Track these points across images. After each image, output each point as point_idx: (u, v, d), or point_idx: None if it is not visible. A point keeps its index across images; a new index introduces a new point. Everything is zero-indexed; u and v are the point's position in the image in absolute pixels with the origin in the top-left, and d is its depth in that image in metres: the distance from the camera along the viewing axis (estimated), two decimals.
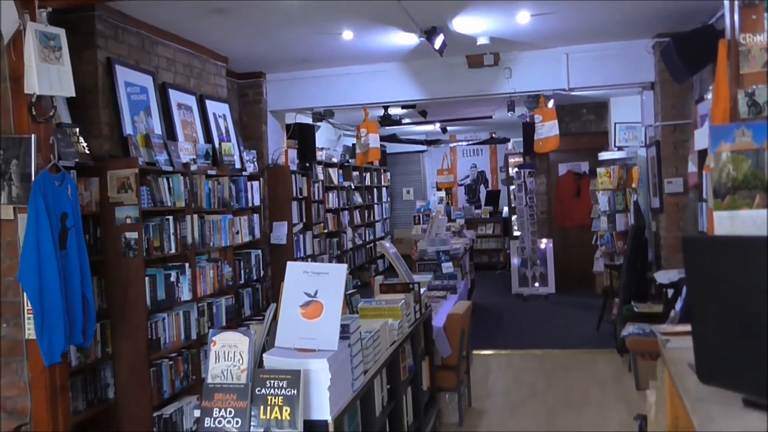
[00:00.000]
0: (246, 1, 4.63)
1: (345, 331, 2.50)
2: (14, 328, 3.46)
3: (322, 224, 9.03)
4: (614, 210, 8.39)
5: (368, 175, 12.56)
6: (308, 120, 8.39)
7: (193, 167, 4.94)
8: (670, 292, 5.35)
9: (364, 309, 3.42)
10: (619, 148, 8.47)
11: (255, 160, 6.41)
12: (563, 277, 10.09)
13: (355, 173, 11.69)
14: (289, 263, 2.54)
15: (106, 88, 4.47)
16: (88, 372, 4.05)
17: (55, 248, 3.29)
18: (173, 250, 4.58)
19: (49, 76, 3.33)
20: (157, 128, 4.95)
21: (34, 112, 3.35)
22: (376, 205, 13.11)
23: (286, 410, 2.16)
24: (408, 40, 5.97)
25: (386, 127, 9.87)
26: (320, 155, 9.41)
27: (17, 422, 3.42)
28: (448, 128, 12.59)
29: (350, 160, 11.20)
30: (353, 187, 11.41)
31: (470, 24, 5.61)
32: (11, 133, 3.37)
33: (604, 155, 8.71)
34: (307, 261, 7.64)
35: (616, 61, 6.49)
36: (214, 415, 2.21)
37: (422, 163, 15.25)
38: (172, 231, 4.55)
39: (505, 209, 12.70)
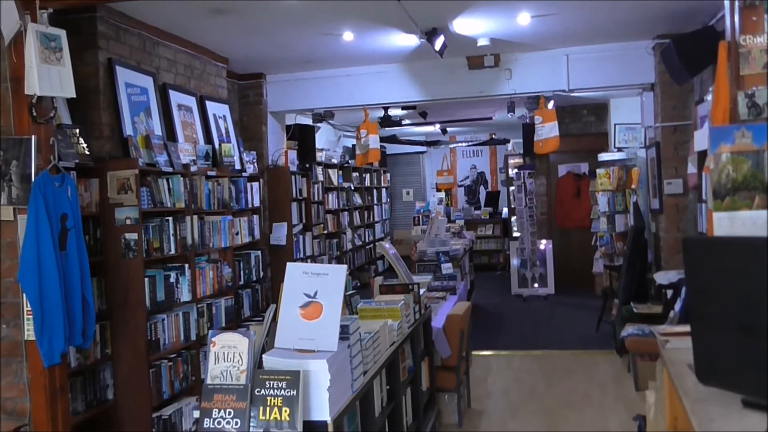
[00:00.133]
0: (247, 2, 4.64)
1: (344, 332, 2.50)
2: (14, 329, 3.46)
3: (322, 225, 9.03)
4: (614, 211, 8.39)
5: (368, 176, 12.56)
6: (308, 121, 8.39)
7: (193, 168, 4.94)
8: (670, 292, 5.35)
9: (363, 310, 3.42)
10: (619, 149, 8.46)
11: (255, 161, 6.41)
12: (563, 278, 10.10)
13: (355, 174, 11.69)
14: (288, 264, 2.54)
15: (106, 89, 4.47)
16: (88, 373, 4.05)
17: (55, 249, 3.29)
18: (173, 251, 4.58)
19: (50, 77, 3.33)
20: (158, 129, 4.95)
21: (34, 113, 3.35)
22: (375, 206, 13.10)
23: (286, 411, 2.16)
24: (408, 41, 5.98)
25: (386, 128, 9.87)
26: (320, 156, 9.41)
27: (17, 423, 3.42)
28: (448, 129, 12.59)
29: (350, 161, 11.19)
30: (353, 188, 11.41)
31: (471, 25, 5.62)
32: (11, 133, 3.37)
33: (603, 156, 8.71)
34: (306, 262, 7.64)
35: (616, 63, 6.49)
36: (214, 416, 2.21)
37: (422, 164, 15.25)
38: (171, 232, 4.56)
39: (505, 210, 12.70)
